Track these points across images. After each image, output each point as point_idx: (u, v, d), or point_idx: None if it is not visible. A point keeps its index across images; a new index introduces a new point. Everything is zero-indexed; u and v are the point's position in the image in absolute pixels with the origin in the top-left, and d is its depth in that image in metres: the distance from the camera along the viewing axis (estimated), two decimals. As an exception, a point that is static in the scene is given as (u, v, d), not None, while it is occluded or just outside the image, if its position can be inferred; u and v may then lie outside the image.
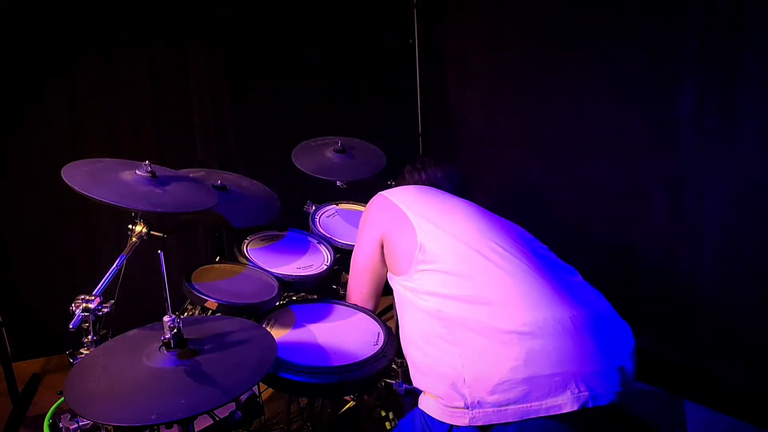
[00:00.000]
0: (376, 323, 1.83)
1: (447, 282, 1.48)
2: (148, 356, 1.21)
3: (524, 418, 1.27)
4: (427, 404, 1.43)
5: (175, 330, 1.19)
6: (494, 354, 1.32)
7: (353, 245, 2.14)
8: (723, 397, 2.05)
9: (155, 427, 1.10)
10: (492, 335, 1.34)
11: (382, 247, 1.72)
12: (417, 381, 1.51)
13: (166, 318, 1.19)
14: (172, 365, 1.18)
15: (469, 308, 1.40)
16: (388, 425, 1.81)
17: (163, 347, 1.21)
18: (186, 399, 1.09)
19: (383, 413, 1.85)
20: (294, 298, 2.02)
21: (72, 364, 1.50)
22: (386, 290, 2.72)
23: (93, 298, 1.50)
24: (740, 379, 2.14)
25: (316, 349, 1.67)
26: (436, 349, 1.42)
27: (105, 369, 1.21)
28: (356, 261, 1.82)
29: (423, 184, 1.97)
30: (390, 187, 1.91)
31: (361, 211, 2.43)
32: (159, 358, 1.19)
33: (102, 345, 1.37)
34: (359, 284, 1.84)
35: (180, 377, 1.15)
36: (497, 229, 1.62)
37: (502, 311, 1.37)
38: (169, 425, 1.10)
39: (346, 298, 1.91)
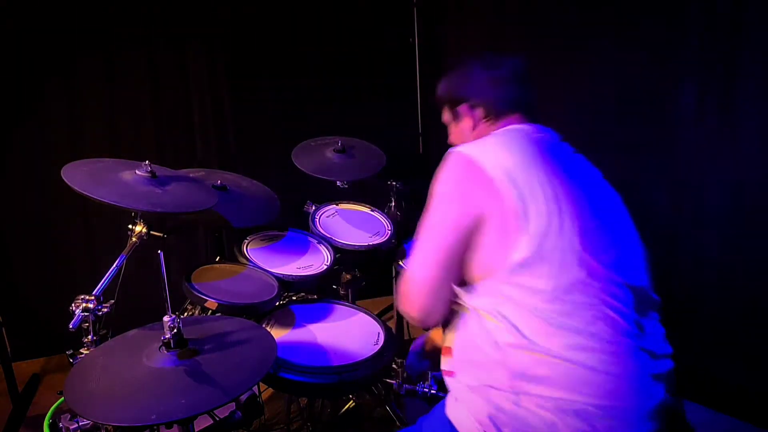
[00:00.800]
0: (376, 323, 1.83)
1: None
2: (148, 356, 1.21)
3: None
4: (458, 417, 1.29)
5: (175, 330, 1.19)
6: None
7: (353, 245, 2.15)
8: (723, 397, 2.05)
9: (155, 428, 1.10)
10: None
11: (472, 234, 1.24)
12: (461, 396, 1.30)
13: (166, 318, 1.19)
14: (172, 365, 1.17)
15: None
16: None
17: (163, 347, 1.21)
18: (186, 399, 1.08)
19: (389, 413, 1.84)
20: (294, 298, 2.02)
21: (72, 364, 1.50)
22: (385, 290, 2.73)
23: (93, 298, 1.50)
24: (740, 379, 2.14)
25: (316, 349, 1.67)
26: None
27: (105, 369, 1.21)
28: (430, 254, 1.29)
29: (512, 108, 1.45)
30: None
31: (362, 211, 2.44)
32: (159, 358, 1.19)
33: (102, 345, 1.37)
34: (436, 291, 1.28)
35: (180, 377, 1.15)
36: (604, 235, 1.26)
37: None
38: (169, 425, 1.10)
39: (412, 315, 1.34)
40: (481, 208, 1.22)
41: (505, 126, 1.43)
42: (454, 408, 1.30)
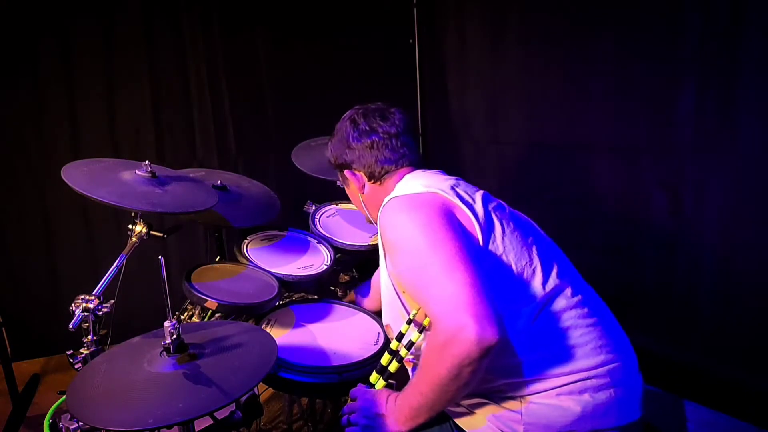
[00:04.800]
0: (376, 323, 1.83)
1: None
2: (149, 361, 1.22)
3: None
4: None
5: (175, 335, 1.19)
6: None
7: (353, 245, 2.15)
8: (723, 397, 2.05)
9: (155, 431, 1.11)
10: None
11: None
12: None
13: (166, 323, 1.19)
14: (172, 369, 1.18)
15: None
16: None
17: (164, 352, 1.21)
18: (184, 403, 1.09)
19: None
20: (294, 298, 2.02)
21: (72, 364, 1.50)
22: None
23: (93, 298, 1.50)
24: (740, 379, 2.14)
25: (316, 349, 1.68)
26: None
27: (107, 375, 1.22)
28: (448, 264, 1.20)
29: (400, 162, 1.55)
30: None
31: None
32: (159, 363, 1.20)
33: (106, 351, 1.38)
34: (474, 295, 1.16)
35: (179, 381, 1.16)
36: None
37: None
38: (168, 427, 1.11)
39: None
40: (450, 209, 1.33)
41: (397, 181, 1.52)
42: (465, 418, 1.33)
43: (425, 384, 1.21)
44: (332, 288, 2.31)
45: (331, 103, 3.26)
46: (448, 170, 1.54)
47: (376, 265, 2.42)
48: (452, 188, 1.37)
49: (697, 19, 2.10)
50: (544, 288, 1.30)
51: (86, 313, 1.49)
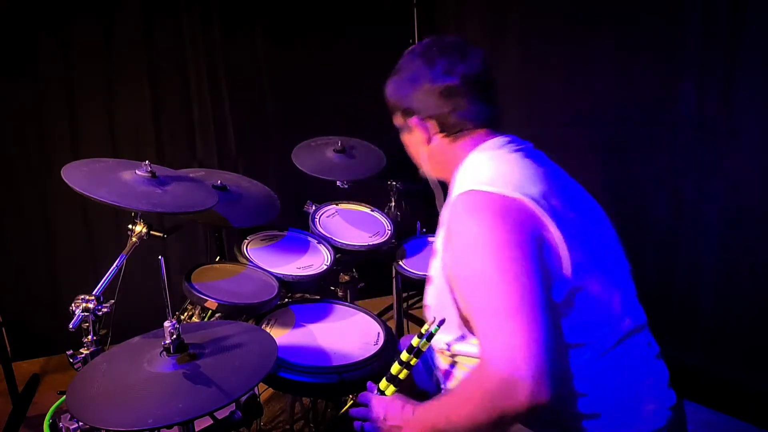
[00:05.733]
0: (376, 323, 1.83)
1: None
2: (149, 361, 1.22)
3: None
4: None
5: (175, 335, 1.19)
6: None
7: (353, 245, 2.15)
8: (723, 397, 2.05)
9: (156, 431, 1.11)
10: None
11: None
12: None
13: (166, 323, 1.19)
14: (172, 369, 1.18)
15: None
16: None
17: (164, 352, 1.21)
18: (184, 403, 1.09)
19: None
20: (294, 297, 2.02)
21: (72, 364, 1.50)
22: (385, 290, 2.73)
23: (93, 298, 1.50)
24: (740, 379, 2.14)
25: (316, 349, 1.67)
26: None
27: (107, 375, 1.22)
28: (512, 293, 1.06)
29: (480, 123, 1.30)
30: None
31: (362, 211, 2.44)
32: (159, 363, 1.20)
33: (107, 351, 1.38)
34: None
35: (179, 381, 1.15)
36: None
37: None
38: (168, 427, 1.11)
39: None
40: (539, 229, 1.12)
41: (474, 144, 1.30)
42: None
43: (457, 415, 1.09)
44: (332, 288, 2.31)
45: (331, 103, 3.28)
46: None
47: (377, 265, 2.44)
48: (545, 197, 1.15)
49: (697, 19, 2.10)
50: (619, 323, 1.19)
51: (86, 313, 1.49)
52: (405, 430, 1.19)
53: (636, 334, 1.22)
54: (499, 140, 1.30)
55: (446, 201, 1.26)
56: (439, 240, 1.27)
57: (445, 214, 1.22)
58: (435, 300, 1.28)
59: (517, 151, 1.28)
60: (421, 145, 1.35)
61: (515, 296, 1.04)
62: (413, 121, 1.33)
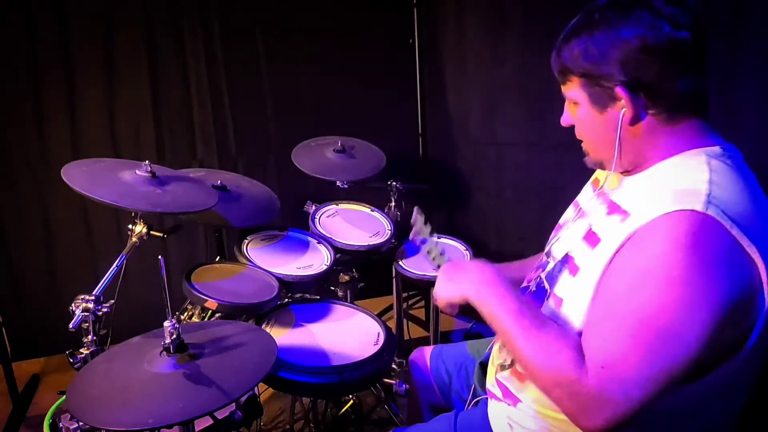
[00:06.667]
0: (376, 323, 1.83)
1: None
2: (149, 361, 1.22)
3: None
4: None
5: (175, 335, 1.19)
6: None
7: (353, 245, 2.15)
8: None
9: (155, 430, 1.11)
10: None
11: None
12: None
13: (166, 323, 1.19)
14: (172, 369, 1.18)
15: None
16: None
17: (164, 352, 1.21)
18: (184, 402, 1.09)
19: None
20: (294, 297, 2.02)
21: (72, 364, 1.50)
22: (385, 290, 2.73)
23: (93, 298, 1.50)
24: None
25: (316, 349, 1.68)
26: None
27: (107, 375, 1.22)
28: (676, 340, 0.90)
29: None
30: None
31: (362, 211, 2.44)
32: (159, 363, 1.20)
33: (107, 351, 1.38)
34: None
35: (179, 381, 1.15)
36: None
37: None
38: (168, 427, 1.11)
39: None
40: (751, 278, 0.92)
41: (681, 135, 1.05)
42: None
43: (527, 347, 0.97)
44: (332, 288, 2.31)
45: (331, 103, 3.28)
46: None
47: (377, 265, 2.44)
48: None
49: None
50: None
51: (86, 313, 1.49)
52: (471, 274, 1.12)
53: None
54: (718, 148, 1.07)
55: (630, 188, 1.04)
56: (609, 229, 1.03)
57: (642, 217, 0.96)
58: (570, 294, 1.07)
59: (733, 163, 1.06)
60: (613, 128, 1.04)
61: (676, 351, 0.89)
62: (620, 91, 1.00)
